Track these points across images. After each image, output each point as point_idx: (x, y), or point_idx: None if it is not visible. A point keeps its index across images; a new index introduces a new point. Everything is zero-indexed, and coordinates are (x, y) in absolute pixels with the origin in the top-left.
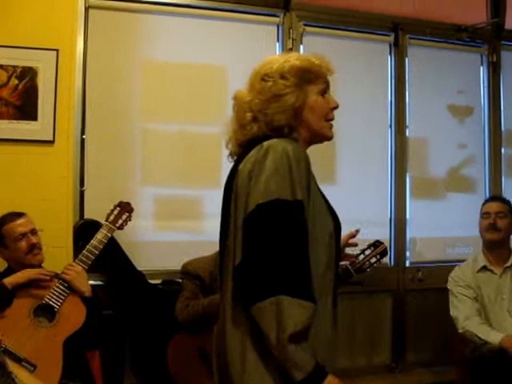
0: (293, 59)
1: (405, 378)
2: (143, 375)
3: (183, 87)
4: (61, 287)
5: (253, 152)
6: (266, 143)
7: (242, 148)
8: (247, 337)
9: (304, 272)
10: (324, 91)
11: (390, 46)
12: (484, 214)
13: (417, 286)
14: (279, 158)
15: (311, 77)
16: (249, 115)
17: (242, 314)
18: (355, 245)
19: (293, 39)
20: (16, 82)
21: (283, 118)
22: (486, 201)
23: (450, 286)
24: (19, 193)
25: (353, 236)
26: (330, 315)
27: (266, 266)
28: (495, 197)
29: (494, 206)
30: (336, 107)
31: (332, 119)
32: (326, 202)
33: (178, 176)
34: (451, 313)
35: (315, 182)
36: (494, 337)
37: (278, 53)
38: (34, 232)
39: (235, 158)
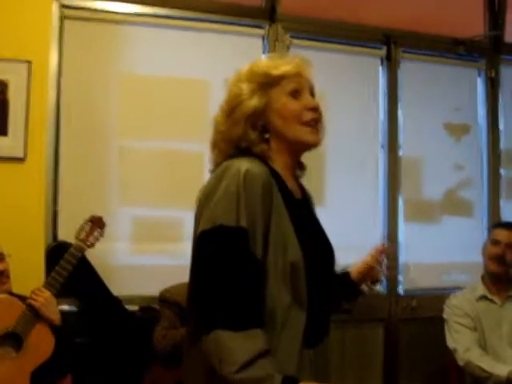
0: (252, 65)
1: None
2: None
3: (163, 102)
4: (28, 314)
5: (211, 175)
6: (224, 163)
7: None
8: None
9: (245, 301)
10: (295, 92)
11: (382, 59)
12: (493, 241)
13: (410, 314)
14: (230, 180)
15: (272, 80)
16: (218, 137)
17: (199, 352)
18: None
19: (278, 52)
20: None
21: (237, 132)
22: (497, 226)
23: (446, 315)
24: None
25: (382, 251)
26: (297, 356)
27: (204, 297)
28: (509, 224)
29: (506, 235)
30: (313, 108)
31: (310, 121)
32: (305, 227)
33: (158, 196)
34: (449, 344)
35: (283, 206)
36: (500, 370)
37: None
38: (0, 258)
39: None
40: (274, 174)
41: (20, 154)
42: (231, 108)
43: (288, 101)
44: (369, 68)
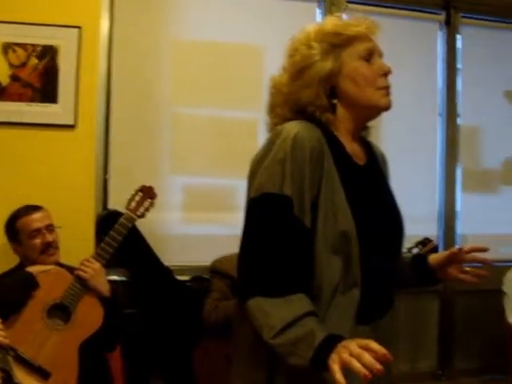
0: (322, 23)
1: None
2: (168, 380)
3: (216, 69)
4: (77, 286)
5: (265, 140)
6: (277, 128)
7: None
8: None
9: (286, 267)
10: (368, 55)
11: (441, 25)
12: None
13: (466, 287)
14: (279, 146)
15: (346, 41)
16: (279, 99)
17: (246, 323)
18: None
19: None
20: (36, 61)
21: (309, 95)
22: None
23: (505, 288)
24: (37, 182)
25: (454, 253)
26: (348, 333)
27: (247, 264)
28: None
29: None
30: (387, 73)
31: (384, 87)
32: (358, 197)
33: (210, 164)
34: (508, 318)
35: (336, 172)
36: None
37: None
38: (50, 228)
39: None
40: (330, 137)
41: (70, 122)
42: (300, 69)
43: (360, 65)
44: (427, 33)
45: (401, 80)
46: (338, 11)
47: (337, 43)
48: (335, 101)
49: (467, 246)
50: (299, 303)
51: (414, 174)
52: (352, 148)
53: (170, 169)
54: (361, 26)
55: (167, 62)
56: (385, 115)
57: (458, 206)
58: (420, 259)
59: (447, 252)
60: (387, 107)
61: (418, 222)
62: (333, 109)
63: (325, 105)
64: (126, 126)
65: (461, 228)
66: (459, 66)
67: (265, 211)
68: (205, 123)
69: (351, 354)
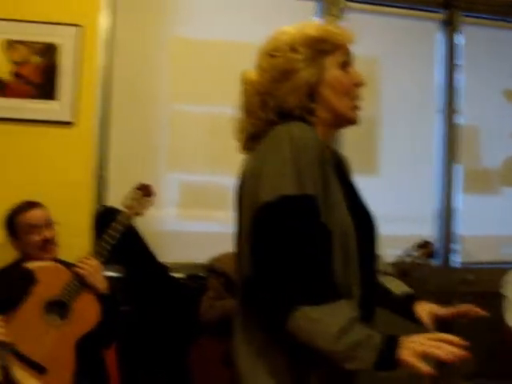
0: (306, 29)
1: None
2: (163, 377)
3: (214, 67)
4: (75, 282)
5: (259, 146)
6: (271, 132)
7: (252, 141)
8: (259, 355)
9: (323, 273)
10: (345, 64)
11: (441, 23)
12: None
13: (466, 289)
14: (283, 146)
15: (328, 47)
16: (256, 99)
17: (253, 329)
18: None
19: (332, 15)
20: (37, 58)
21: (295, 99)
22: None
23: (505, 291)
24: (35, 178)
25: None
26: None
27: (280, 275)
28: None
29: None
30: (360, 83)
31: (356, 98)
32: (354, 197)
33: (207, 161)
34: (508, 321)
35: (333, 174)
36: None
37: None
38: (48, 225)
39: (246, 153)
40: None
41: (69, 118)
42: (284, 72)
43: (340, 73)
44: (427, 33)
45: (400, 78)
46: (336, 10)
47: (322, 49)
48: (313, 105)
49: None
50: (347, 308)
51: (412, 174)
52: (327, 152)
53: (168, 166)
54: (343, 35)
55: (167, 60)
56: (383, 112)
57: (458, 206)
58: (408, 303)
59: (440, 313)
60: (354, 121)
61: (416, 222)
62: (312, 112)
63: (309, 108)
64: (124, 123)
65: (460, 229)
66: (459, 64)
67: (292, 214)
68: (203, 121)
69: (429, 345)
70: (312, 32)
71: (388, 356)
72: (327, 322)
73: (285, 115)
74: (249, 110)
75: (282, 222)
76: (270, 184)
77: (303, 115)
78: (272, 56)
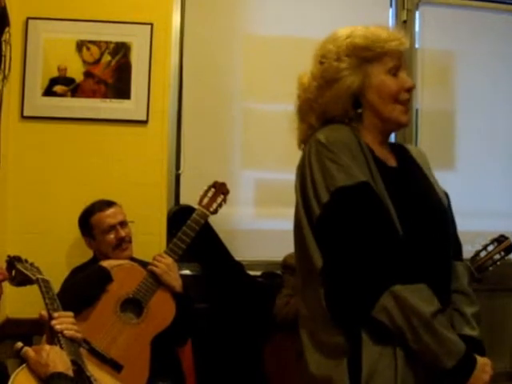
0: (354, 35)
1: None
2: (238, 374)
3: (287, 63)
4: (150, 280)
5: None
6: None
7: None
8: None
9: (404, 254)
10: (395, 69)
11: None
12: None
13: None
14: (321, 148)
15: (374, 55)
16: (306, 105)
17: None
18: None
19: (407, 10)
20: (109, 58)
21: (338, 107)
22: None
23: None
24: (110, 177)
25: None
26: None
27: (361, 262)
28: None
29: None
30: (410, 88)
31: (406, 101)
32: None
33: (282, 159)
34: None
35: (377, 173)
36: None
37: (389, 24)
38: (123, 224)
39: None
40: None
41: (143, 117)
42: (329, 80)
43: (387, 78)
44: (506, 25)
45: (477, 72)
46: (411, 4)
47: (366, 58)
48: (360, 110)
49: None
50: (431, 292)
51: (492, 168)
52: (382, 152)
53: (242, 164)
54: (393, 41)
55: (238, 57)
56: (461, 107)
57: None
58: None
59: None
60: (406, 124)
61: (496, 217)
62: (359, 118)
63: (351, 115)
64: (197, 122)
65: None
66: None
67: (354, 202)
68: (276, 118)
69: None
70: (359, 40)
71: (463, 370)
72: (419, 303)
73: (327, 121)
74: (300, 115)
75: (348, 211)
76: (322, 185)
77: (347, 122)
78: (321, 63)
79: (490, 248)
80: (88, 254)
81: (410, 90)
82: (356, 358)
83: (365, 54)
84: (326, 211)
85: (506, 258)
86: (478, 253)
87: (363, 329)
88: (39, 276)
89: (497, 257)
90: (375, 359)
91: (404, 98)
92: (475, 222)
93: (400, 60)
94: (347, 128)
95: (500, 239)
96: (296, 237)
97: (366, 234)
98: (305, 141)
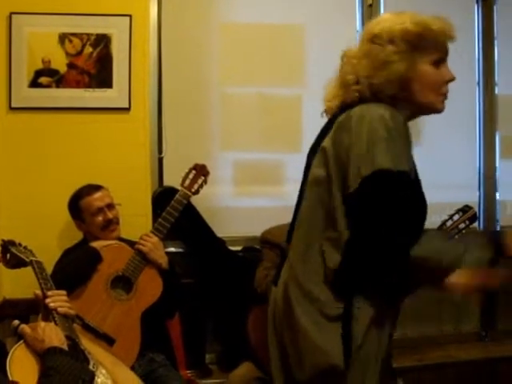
0: (408, 22)
1: (495, 347)
2: (224, 344)
3: (261, 49)
4: (137, 258)
5: (343, 117)
6: (358, 109)
7: (339, 109)
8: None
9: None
10: (439, 61)
11: None
12: None
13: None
14: (378, 125)
15: (424, 45)
16: (351, 78)
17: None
18: None
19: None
20: (90, 49)
21: (391, 88)
22: None
23: None
24: (97, 162)
25: None
26: None
27: (390, 230)
28: None
29: None
30: (450, 80)
31: (445, 94)
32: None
33: (258, 140)
34: None
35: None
36: None
37: (356, 9)
38: (110, 206)
39: (330, 117)
40: None
41: (125, 105)
42: (381, 63)
43: (430, 70)
44: (463, 5)
45: None
46: None
47: (417, 45)
48: (403, 94)
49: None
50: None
51: (454, 143)
52: None
53: (221, 146)
54: (443, 32)
55: (215, 45)
56: None
57: (497, 172)
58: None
59: None
60: (441, 111)
61: (458, 188)
62: (402, 100)
63: (399, 96)
64: (177, 107)
65: (500, 194)
66: (496, 36)
67: (392, 185)
68: (252, 101)
69: None
70: (412, 27)
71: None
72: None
73: (377, 96)
74: (344, 83)
75: (387, 193)
76: (370, 159)
77: (392, 101)
78: (373, 42)
79: (456, 218)
80: (78, 236)
81: (449, 82)
82: (348, 322)
83: (417, 42)
84: (363, 186)
85: (471, 226)
86: (444, 222)
87: (362, 297)
88: (32, 258)
89: (462, 226)
90: (366, 325)
91: (444, 90)
92: (442, 193)
93: (446, 53)
94: (400, 113)
95: (465, 209)
96: (311, 193)
97: (398, 212)
98: (349, 105)
